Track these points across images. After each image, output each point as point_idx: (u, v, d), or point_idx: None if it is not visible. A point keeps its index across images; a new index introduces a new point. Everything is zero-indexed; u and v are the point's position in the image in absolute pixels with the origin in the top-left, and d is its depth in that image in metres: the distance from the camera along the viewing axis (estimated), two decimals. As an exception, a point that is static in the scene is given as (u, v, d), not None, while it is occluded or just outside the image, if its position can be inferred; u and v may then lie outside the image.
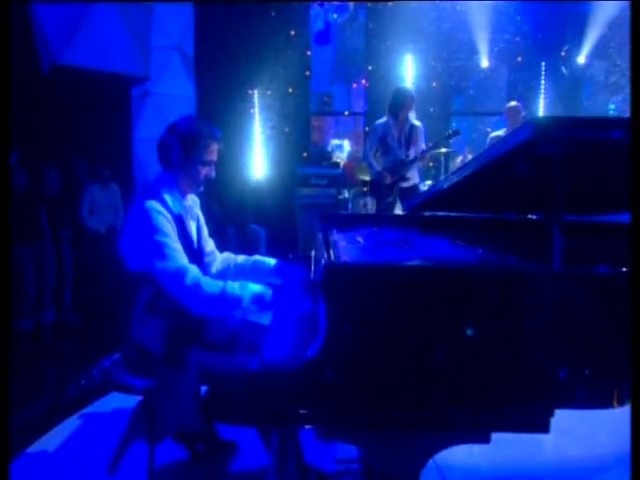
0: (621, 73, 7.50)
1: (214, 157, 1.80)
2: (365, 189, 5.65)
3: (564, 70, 6.88)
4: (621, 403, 1.08)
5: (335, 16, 10.11)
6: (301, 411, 1.08)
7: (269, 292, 1.66)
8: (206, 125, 1.80)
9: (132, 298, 1.74)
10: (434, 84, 7.66)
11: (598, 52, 6.81)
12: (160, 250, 1.60)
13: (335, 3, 8.79)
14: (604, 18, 6.45)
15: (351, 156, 8.28)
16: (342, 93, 11.18)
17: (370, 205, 5.57)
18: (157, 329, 1.66)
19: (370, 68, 7.87)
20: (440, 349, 1.04)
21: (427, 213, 2.25)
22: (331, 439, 1.38)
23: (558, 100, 7.34)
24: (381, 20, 7.56)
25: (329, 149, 7.78)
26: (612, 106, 7.94)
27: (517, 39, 7.30)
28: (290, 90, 7.42)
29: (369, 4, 7.95)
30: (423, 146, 4.28)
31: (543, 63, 7.28)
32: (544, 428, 1.07)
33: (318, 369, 1.05)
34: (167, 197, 1.72)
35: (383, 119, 4.32)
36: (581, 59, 6.79)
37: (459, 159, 7.05)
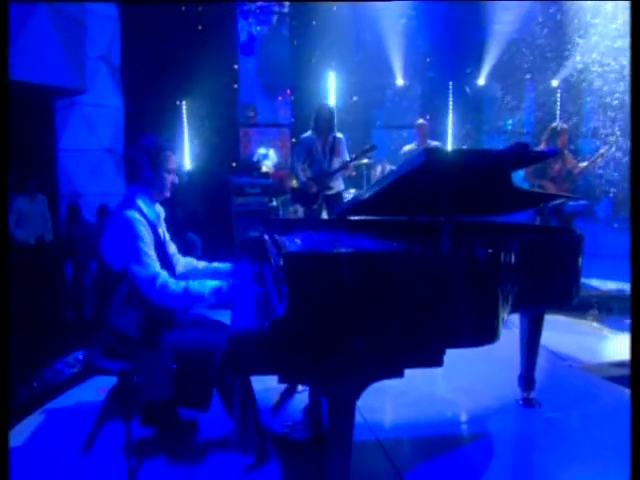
0: (515, 94, 8.66)
1: (174, 165, 2.17)
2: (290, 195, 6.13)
3: (467, 90, 7.83)
4: (496, 338, 1.62)
5: (258, 28, 10.57)
6: (269, 362, 1.49)
7: (225, 284, 2.04)
8: (164, 139, 2.17)
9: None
10: (354, 98, 8.34)
11: (495, 75, 7.84)
12: (139, 257, 1.93)
13: (259, 15, 9.27)
14: (499, 45, 7.47)
15: (278, 165, 8.69)
16: (266, 104, 11.52)
17: (300, 212, 6.05)
18: (134, 318, 1.98)
19: (295, 83, 8.37)
20: (367, 310, 1.50)
21: (352, 217, 2.75)
22: (291, 382, 1.79)
23: (463, 116, 8.30)
24: (305, 37, 8.08)
25: (255, 159, 8.15)
26: (510, 121, 9.13)
27: (427, 60, 8.18)
28: (218, 101, 7.72)
29: (293, 21, 8.48)
30: (347, 157, 4.81)
31: (450, 83, 8.21)
32: (439, 363, 1.57)
33: (283, 329, 1.47)
34: (142, 205, 2.06)
35: (308, 133, 4.81)
36: (481, 80, 7.78)
37: (378, 169, 7.73)
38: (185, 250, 2.55)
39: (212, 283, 2.02)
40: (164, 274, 1.97)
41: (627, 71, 7.38)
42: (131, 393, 2.10)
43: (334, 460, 1.61)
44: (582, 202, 5.14)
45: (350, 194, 5.80)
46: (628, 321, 4.54)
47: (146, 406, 2.17)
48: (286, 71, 9.55)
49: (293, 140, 8.40)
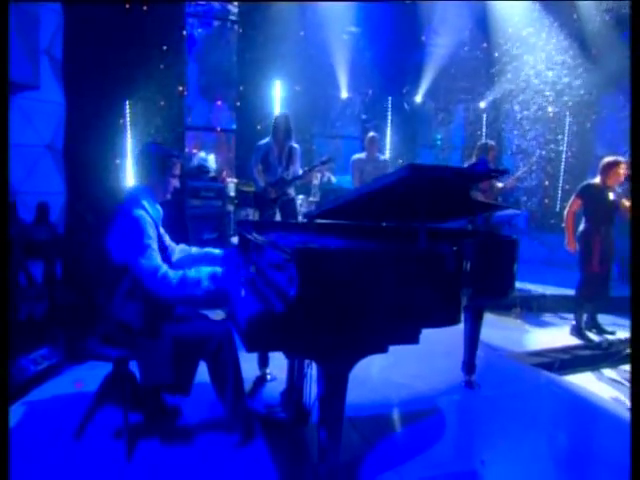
0: (446, 112, 9.45)
1: (179, 171, 2.38)
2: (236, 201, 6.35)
3: (406, 106, 8.44)
4: (458, 321, 2.00)
5: (199, 30, 10.64)
6: (280, 340, 1.77)
7: (219, 269, 2.27)
8: (169, 148, 2.38)
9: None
10: (299, 108, 8.66)
11: (431, 93, 8.53)
12: (144, 251, 2.13)
13: (202, 18, 9.38)
14: (435, 66, 8.16)
15: (220, 170, 8.78)
16: (203, 108, 11.56)
17: (251, 216, 6.27)
18: (137, 309, 2.16)
19: (241, 89, 8.54)
20: (361, 297, 1.82)
21: (318, 221, 3.07)
22: (296, 357, 2.06)
23: (400, 129, 8.89)
24: (252, 44, 8.28)
25: (195, 163, 8.23)
26: (439, 136, 9.96)
27: (369, 76, 8.70)
28: (163, 103, 7.72)
29: (240, 28, 8.65)
30: (299, 169, 5.13)
31: (390, 98, 8.79)
32: (416, 340, 1.92)
33: (293, 313, 1.75)
34: (147, 205, 2.24)
35: (266, 140, 5.08)
36: (418, 98, 8.43)
37: (318, 176, 8.09)
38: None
39: (207, 269, 2.24)
40: (165, 266, 2.17)
41: (547, 96, 8.40)
42: (126, 378, 2.28)
43: (328, 427, 1.90)
44: (512, 212, 5.78)
45: (300, 200, 6.12)
46: (544, 318, 5.24)
47: (134, 393, 2.34)
48: (228, 76, 9.71)
49: (232, 144, 8.57)
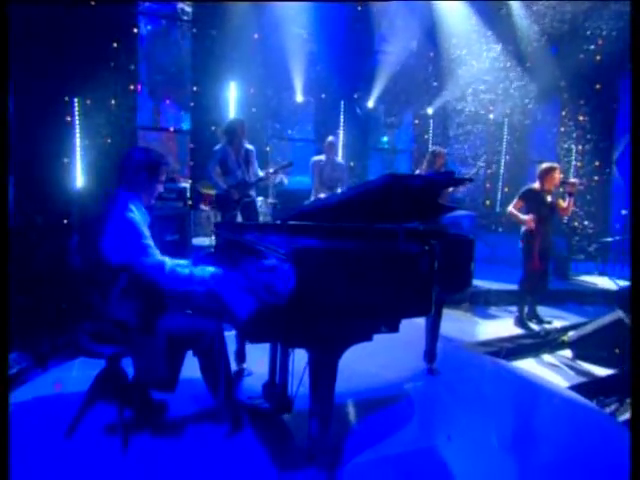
0: (395, 116, 9.89)
1: (165, 177, 2.50)
2: (204, 204, 6.40)
3: (358, 110, 8.78)
4: (431, 311, 2.27)
5: (149, 27, 10.49)
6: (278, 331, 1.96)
7: (220, 270, 2.42)
8: (159, 153, 2.49)
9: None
10: (253, 110, 8.77)
11: (381, 99, 8.92)
12: (146, 250, 2.25)
13: (152, 17, 9.27)
14: (385, 74, 8.56)
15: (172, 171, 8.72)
16: (149, 107, 11.39)
17: (212, 217, 6.35)
18: (132, 307, 2.27)
19: (195, 89, 8.53)
20: (350, 291, 2.05)
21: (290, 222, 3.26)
22: (291, 347, 2.24)
23: (353, 132, 9.21)
24: (207, 45, 8.28)
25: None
26: (385, 138, 10.46)
27: (319, 78, 8.95)
28: (113, 102, 7.59)
29: (194, 28, 8.62)
30: (257, 166, 5.28)
31: (342, 102, 9.09)
32: (396, 329, 2.17)
33: (290, 307, 1.95)
34: (134, 209, 2.34)
35: (221, 144, 5.20)
36: (370, 103, 8.79)
37: (277, 179, 8.27)
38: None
39: (210, 269, 2.39)
40: (169, 260, 2.30)
41: (487, 104, 9.02)
42: (119, 375, 2.38)
43: (320, 411, 2.11)
44: (462, 213, 6.20)
45: (259, 201, 6.27)
46: (490, 310, 5.70)
47: (123, 389, 2.44)
48: (178, 75, 9.65)
49: (191, 145, 8.57)
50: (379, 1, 8.39)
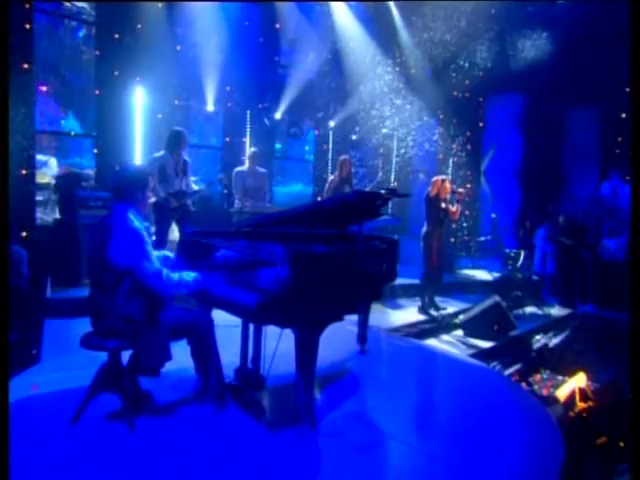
0: (298, 128, 10.62)
1: (152, 185, 2.88)
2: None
3: (266, 121, 9.35)
4: (380, 297, 2.96)
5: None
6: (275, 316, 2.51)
7: (199, 275, 2.85)
8: (145, 168, 2.87)
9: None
10: (159, 116, 8.88)
11: (288, 110, 9.59)
12: (148, 256, 2.63)
13: (48, 16, 8.95)
14: (292, 86, 9.25)
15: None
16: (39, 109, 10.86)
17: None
18: (138, 304, 2.63)
19: (97, 92, 8.40)
20: (330, 284, 2.66)
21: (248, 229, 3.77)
22: (284, 327, 2.75)
23: (259, 142, 9.72)
24: (111, 48, 8.19)
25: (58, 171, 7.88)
26: (279, 145, 11.18)
27: (228, 89, 9.35)
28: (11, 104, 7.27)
29: (94, 30, 8.50)
30: (190, 181, 5.62)
31: (248, 112, 9.58)
32: (358, 311, 2.84)
33: (286, 297, 2.51)
34: (134, 219, 2.69)
35: (161, 153, 5.46)
36: (278, 114, 9.42)
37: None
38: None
39: (192, 274, 2.82)
40: (165, 269, 2.69)
41: (384, 119, 10.15)
42: (120, 367, 2.72)
43: (306, 378, 2.69)
44: (387, 218, 7.03)
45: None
46: (398, 301, 6.64)
47: (121, 379, 2.78)
48: (77, 78, 9.40)
49: (95, 150, 8.46)
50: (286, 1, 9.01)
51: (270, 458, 2.58)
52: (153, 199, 5.78)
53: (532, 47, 9.75)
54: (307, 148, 11.45)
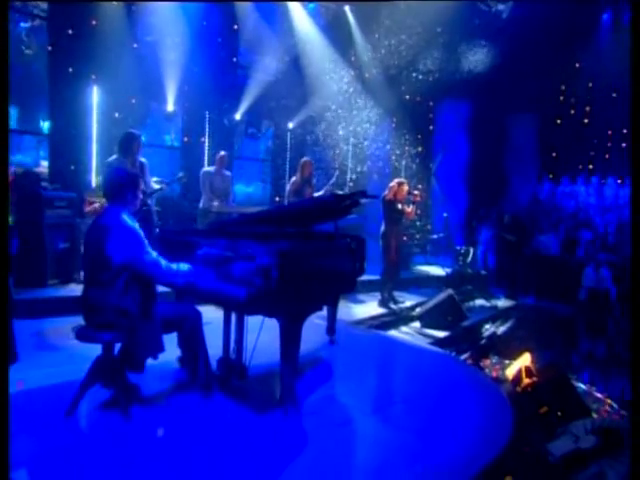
0: (256, 128, 10.84)
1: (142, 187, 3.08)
2: (90, 209, 6.49)
3: (226, 121, 9.50)
4: (355, 288, 3.30)
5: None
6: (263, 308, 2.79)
7: (191, 267, 3.08)
8: (135, 171, 3.06)
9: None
10: (117, 115, 8.84)
11: (247, 111, 9.79)
12: (145, 249, 2.82)
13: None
14: (252, 88, 9.46)
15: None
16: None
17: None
18: (133, 298, 2.83)
19: (51, 91, 8.26)
20: (311, 277, 2.96)
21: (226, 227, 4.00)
22: (270, 317, 3.01)
23: (219, 141, 9.83)
24: (65, 46, 8.10)
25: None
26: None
27: (186, 88, 9.42)
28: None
29: (50, 26, 8.35)
30: (149, 178, 5.73)
31: (207, 112, 9.69)
32: (336, 303, 3.17)
33: (273, 290, 2.79)
34: (126, 218, 2.88)
35: (115, 156, 5.49)
36: (237, 115, 9.60)
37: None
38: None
39: (186, 265, 3.04)
40: (162, 258, 2.89)
41: (340, 122, 10.54)
42: (113, 359, 2.91)
43: (290, 363, 2.98)
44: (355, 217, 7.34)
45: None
46: (359, 296, 7.01)
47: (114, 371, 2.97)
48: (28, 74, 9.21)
49: (49, 150, 8.35)
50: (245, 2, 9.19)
51: (260, 435, 2.85)
52: (98, 199, 5.85)
53: (478, 56, 10.43)
54: (263, 148, 11.64)
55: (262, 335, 3.24)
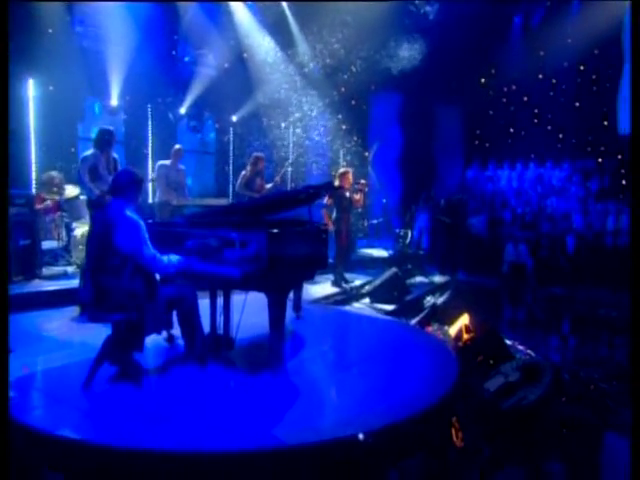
0: (198, 121, 11.06)
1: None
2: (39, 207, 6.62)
3: (170, 115, 9.71)
4: (327, 266, 3.93)
5: None
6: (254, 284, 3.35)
7: (181, 258, 3.54)
8: (139, 172, 3.47)
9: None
10: (55, 109, 8.77)
11: (191, 106, 10.04)
12: (146, 242, 3.25)
13: None
14: (196, 83, 9.72)
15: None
16: None
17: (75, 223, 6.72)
18: (141, 281, 3.26)
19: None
20: (296, 256, 3.54)
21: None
22: (259, 291, 3.53)
23: (161, 135, 10.01)
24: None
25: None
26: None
27: (129, 83, 9.49)
28: None
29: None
30: None
31: (149, 106, 9.83)
32: (312, 277, 3.77)
33: (265, 269, 3.35)
34: (130, 212, 3.29)
35: (91, 151, 5.74)
36: (182, 110, 9.84)
37: None
38: None
39: (176, 257, 3.49)
40: (157, 253, 3.33)
41: (283, 115, 11.03)
42: (123, 335, 3.35)
43: (277, 330, 3.56)
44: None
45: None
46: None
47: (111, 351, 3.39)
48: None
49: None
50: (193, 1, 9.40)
51: (254, 390, 3.41)
52: (56, 197, 6.05)
53: (408, 53, 11.31)
54: (205, 140, 11.87)
55: (244, 314, 3.77)
